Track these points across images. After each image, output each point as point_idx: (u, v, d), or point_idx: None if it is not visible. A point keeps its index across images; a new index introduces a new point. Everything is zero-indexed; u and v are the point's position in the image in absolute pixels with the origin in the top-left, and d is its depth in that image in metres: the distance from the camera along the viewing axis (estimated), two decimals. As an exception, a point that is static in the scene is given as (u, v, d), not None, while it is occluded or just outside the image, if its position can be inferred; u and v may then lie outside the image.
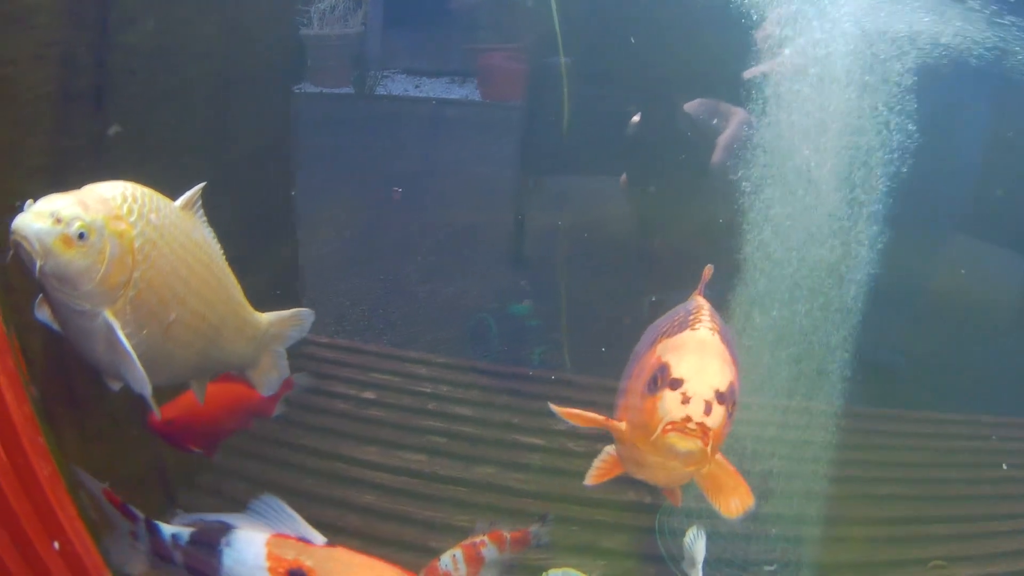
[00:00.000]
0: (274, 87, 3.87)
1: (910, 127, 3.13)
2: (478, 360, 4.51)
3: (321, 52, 8.14)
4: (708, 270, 2.36)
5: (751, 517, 3.14)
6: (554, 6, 4.20)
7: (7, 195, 2.30)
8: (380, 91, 8.11)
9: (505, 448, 3.59)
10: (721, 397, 1.74)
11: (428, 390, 3.96)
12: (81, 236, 1.70)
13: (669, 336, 1.98)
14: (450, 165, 6.64)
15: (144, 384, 1.82)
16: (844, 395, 3.24)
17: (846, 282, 3.21)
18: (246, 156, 3.58)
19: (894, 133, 3.12)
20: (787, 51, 3.21)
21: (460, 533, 2.67)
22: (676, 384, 1.75)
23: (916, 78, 3.10)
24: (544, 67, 4.77)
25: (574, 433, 3.56)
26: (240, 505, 3.14)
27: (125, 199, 1.82)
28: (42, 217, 1.67)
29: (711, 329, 1.97)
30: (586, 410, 2.14)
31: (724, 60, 3.55)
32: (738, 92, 3.40)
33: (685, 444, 1.71)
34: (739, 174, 3.10)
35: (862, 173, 3.14)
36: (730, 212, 3.08)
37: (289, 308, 4.15)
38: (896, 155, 3.14)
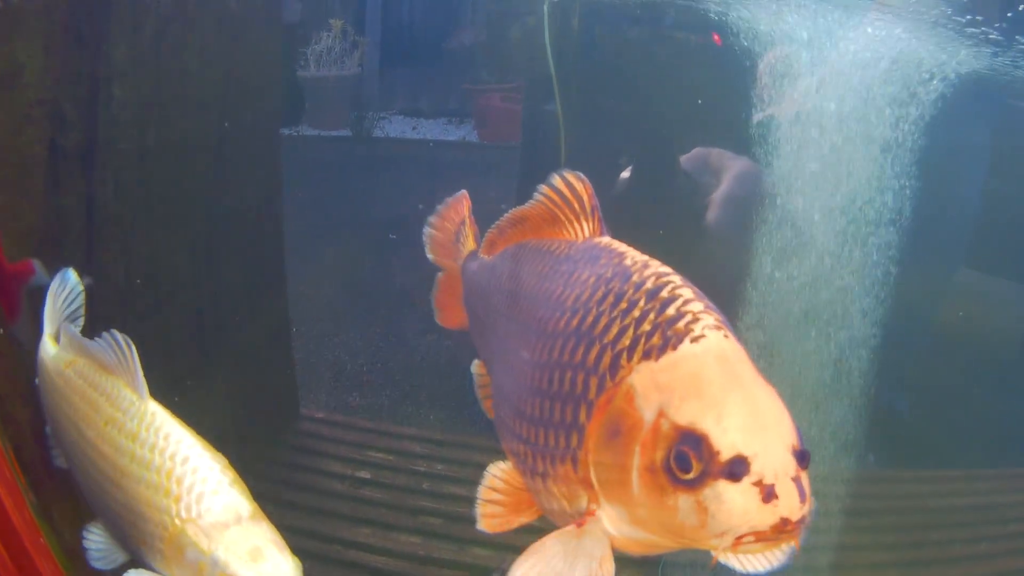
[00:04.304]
0: (269, 137, 3.84)
1: (915, 163, 3.10)
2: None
3: (318, 94, 8.16)
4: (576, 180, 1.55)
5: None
6: (549, 50, 4.14)
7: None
8: (378, 133, 8.12)
9: (500, 529, 3.52)
10: (802, 457, 1.09)
11: (423, 469, 3.88)
12: None
13: (651, 357, 1.18)
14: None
15: None
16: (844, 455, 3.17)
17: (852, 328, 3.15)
18: (241, 208, 3.54)
19: (897, 169, 3.09)
20: (791, 94, 3.18)
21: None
22: (739, 468, 1.06)
23: (920, 111, 3.07)
24: (541, 111, 4.69)
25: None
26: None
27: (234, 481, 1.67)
28: None
29: (719, 327, 1.20)
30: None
31: (723, 105, 3.45)
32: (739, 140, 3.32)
33: (780, 548, 1.15)
34: (743, 231, 3.01)
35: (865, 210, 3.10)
36: (729, 274, 2.96)
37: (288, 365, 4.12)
38: (901, 191, 3.10)
